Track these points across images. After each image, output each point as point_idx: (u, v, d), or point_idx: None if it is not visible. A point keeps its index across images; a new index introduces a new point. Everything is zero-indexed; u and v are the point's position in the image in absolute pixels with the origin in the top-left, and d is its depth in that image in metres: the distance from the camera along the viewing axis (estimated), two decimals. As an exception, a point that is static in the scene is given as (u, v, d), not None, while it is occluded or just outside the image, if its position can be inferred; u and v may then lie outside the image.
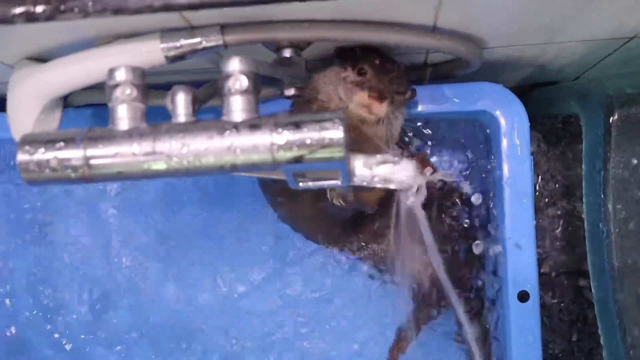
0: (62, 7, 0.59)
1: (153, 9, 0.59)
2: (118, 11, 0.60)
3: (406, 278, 0.98)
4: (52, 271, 1.15)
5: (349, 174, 0.68)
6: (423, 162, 0.79)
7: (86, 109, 0.97)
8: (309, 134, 0.59)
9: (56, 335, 1.14)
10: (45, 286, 1.14)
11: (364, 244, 1.02)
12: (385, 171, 0.70)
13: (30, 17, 0.60)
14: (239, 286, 1.12)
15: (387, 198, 0.86)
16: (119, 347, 1.14)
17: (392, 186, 0.72)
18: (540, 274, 0.95)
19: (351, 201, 0.88)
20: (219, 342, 1.12)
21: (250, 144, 0.60)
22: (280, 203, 1.01)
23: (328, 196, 0.89)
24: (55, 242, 1.15)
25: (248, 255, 1.12)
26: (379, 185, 0.71)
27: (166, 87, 0.67)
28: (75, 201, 1.14)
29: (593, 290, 0.93)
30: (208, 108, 0.79)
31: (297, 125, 0.60)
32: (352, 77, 0.82)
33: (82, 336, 1.14)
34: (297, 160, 0.60)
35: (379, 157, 0.70)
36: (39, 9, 0.59)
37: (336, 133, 0.59)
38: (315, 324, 1.09)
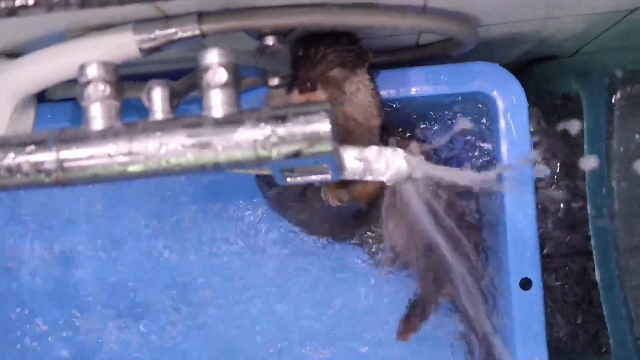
0: (25, 3, 0.55)
1: (121, 1, 0.55)
2: (84, 4, 0.56)
3: (407, 263, 0.96)
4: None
5: (339, 167, 0.65)
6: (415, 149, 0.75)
7: (64, 103, 0.93)
8: (293, 128, 0.56)
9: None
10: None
11: (366, 236, 1.00)
12: (376, 163, 0.67)
13: (-10, 14, 0.56)
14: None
15: (380, 191, 0.83)
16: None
17: (383, 178, 0.68)
18: (543, 256, 0.92)
19: (346, 199, 0.85)
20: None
21: (232, 141, 0.56)
22: (286, 211, 0.99)
23: (323, 197, 0.86)
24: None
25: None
26: (370, 178, 0.68)
27: (147, 77, 0.63)
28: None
29: (597, 275, 0.91)
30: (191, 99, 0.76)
31: (281, 119, 0.56)
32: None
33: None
34: (283, 156, 0.57)
35: (369, 148, 0.67)
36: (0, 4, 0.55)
37: (323, 126, 0.56)
38: (323, 313, 1.07)
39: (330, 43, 0.81)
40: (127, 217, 1.09)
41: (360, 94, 0.84)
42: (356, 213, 0.94)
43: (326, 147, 0.56)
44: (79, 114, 0.92)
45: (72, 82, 0.72)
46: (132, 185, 1.08)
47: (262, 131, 0.56)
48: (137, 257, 1.09)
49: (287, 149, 0.56)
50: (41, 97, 0.87)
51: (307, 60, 0.79)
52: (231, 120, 0.57)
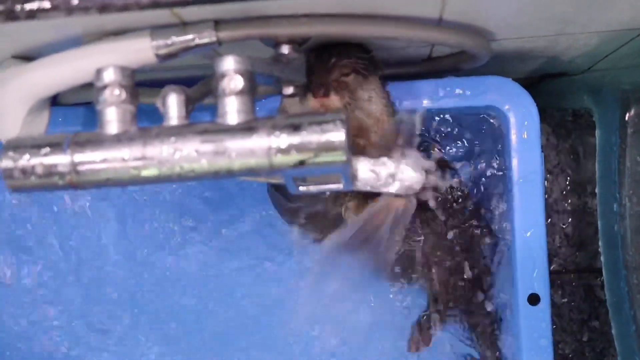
0: (44, 6, 0.56)
1: (140, 6, 0.56)
2: (104, 8, 0.56)
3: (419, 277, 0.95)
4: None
5: (351, 177, 0.65)
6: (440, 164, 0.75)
7: (77, 107, 0.93)
8: (308, 137, 0.56)
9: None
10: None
11: None
12: (390, 175, 0.67)
13: (10, 16, 0.56)
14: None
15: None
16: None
17: (396, 191, 0.68)
18: (550, 272, 0.92)
19: (364, 219, 0.85)
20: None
21: (247, 148, 0.56)
22: (300, 223, 0.97)
23: (342, 214, 0.86)
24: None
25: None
26: (383, 190, 0.68)
27: (161, 84, 0.63)
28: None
29: (606, 291, 0.90)
30: (204, 106, 0.76)
31: (295, 128, 0.56)
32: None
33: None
34: (296, 164, 0.57)
35: (382, 160, 0.67)
36: (19, 7, 0.56)
37: (337, 135, 0.56)
38: (328, 326, 1.06)
39: (343, 51, 0.82)
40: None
41: (372, 102, 0.84)
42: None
43: (340, 156, 0.56)
44: (91, 118, 0.93)
45: (86, 86, 0.72)
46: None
47: (277, 139, 0.56)
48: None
49: (301, 157, 0.56)
50: (53, 101, 0.88)
51: (321, 66, 0.80)
52: (246, 128, 0.57)
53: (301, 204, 0.92)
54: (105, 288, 1.10)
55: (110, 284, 1.10)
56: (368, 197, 0.77)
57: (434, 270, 0.92)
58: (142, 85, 0.81)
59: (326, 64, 0.80)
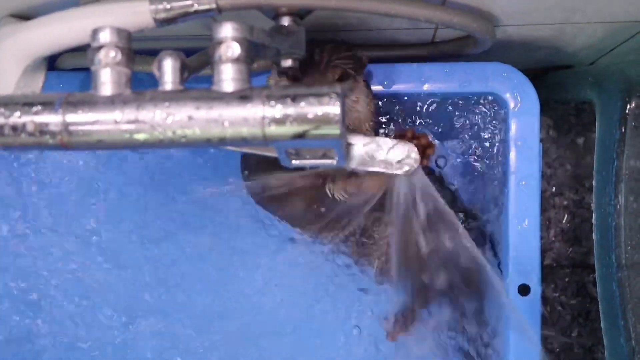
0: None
1: (139, -34, 0.55)
2: (102, -34, 0.55)
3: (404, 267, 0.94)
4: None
5: (345, 154, 0.64)
6: (423, 144, 0.75)
7: (75, 72, 0.92)
8: (303, 109, 0.55)
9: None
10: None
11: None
12: (384, 154, 0.66)
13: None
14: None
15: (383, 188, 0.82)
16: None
17: (390, 170, 0.67)
18: (543, 266, 0.92)
19: (352, 192, 0.84)
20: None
21: (240, 116, 0.55)
22: (273, 206, 0.97)
23: (327, 191, 0.85)
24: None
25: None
26: (376, 169, 0.67)
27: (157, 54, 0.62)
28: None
29: (598, 285, 0.89)
30: (200, 77, 0.75)
31: (291, 99, 0.55)
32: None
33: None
34: (289, 136, 0.56)
35: (377, 139, 0.66)
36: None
37: (333, 109, 0.55)
38: (309, 315, 1.06)
39: (333, 49, 0.81)
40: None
41: (358, 103, 0.84)
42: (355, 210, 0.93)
43: (335, 130, 0.56)
44: (88, 83, 0.92)
45: (83, 52, 0.71)
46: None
47: (272, 109, 0.55)
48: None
49: (295, 129, 0.55)
50: (51, 66, 0.87)
51: (314, 67, 0.79)
52: (241, 96, 0.56)
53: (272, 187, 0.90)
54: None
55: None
56: (353, 173, 0.77)
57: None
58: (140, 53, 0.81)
59: (318, 65, 0.79)
